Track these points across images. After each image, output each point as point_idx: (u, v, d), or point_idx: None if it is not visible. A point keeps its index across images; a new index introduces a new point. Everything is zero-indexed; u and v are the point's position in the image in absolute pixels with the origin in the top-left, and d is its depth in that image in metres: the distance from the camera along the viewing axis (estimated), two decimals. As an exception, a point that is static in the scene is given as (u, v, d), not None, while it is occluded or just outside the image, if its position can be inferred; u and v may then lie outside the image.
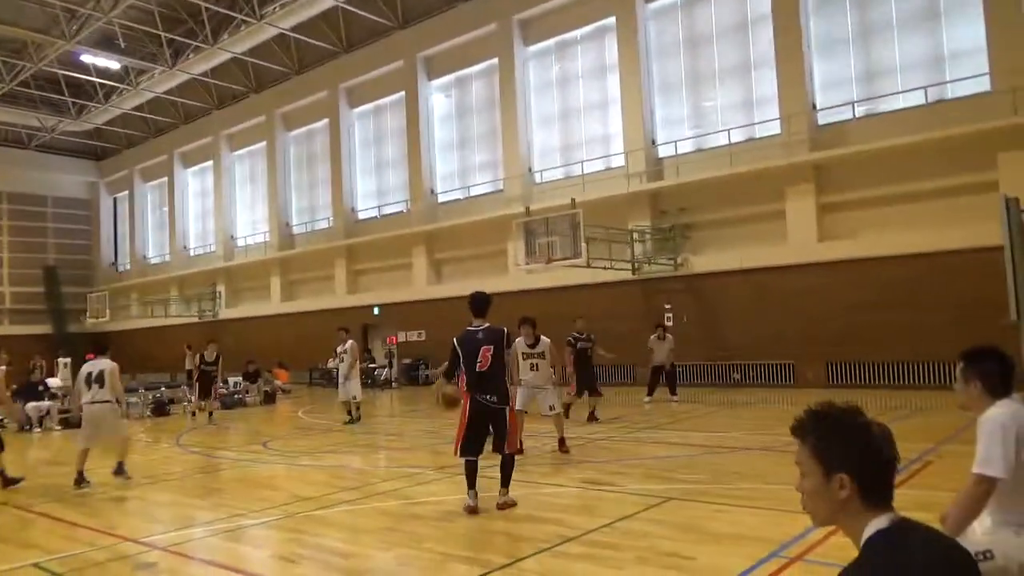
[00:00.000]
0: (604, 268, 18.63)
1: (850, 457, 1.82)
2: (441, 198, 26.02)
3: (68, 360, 24.27)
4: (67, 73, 31.22)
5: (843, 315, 16.37)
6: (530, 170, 23.25)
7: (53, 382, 18.72)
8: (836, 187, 17.33)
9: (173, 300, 35.25)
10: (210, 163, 35.84)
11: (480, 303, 7.01)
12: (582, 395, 12.93)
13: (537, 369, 9.71)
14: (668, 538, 5.49)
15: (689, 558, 5.01)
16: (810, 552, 4.92)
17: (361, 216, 28.84)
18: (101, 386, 9.08)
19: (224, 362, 17.21)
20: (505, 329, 7.06)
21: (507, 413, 6.89)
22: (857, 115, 17.40)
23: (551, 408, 9.70)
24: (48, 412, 16.29)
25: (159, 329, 34.63)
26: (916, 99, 16.50)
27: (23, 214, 40.95)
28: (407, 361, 25.18)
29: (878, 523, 1.78)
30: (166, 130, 37.81)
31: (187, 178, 38.25)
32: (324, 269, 29.32)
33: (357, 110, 29.12)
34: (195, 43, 28.00)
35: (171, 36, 28.22)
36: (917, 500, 5.36)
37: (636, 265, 19.50)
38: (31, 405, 16.25)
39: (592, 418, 12.70)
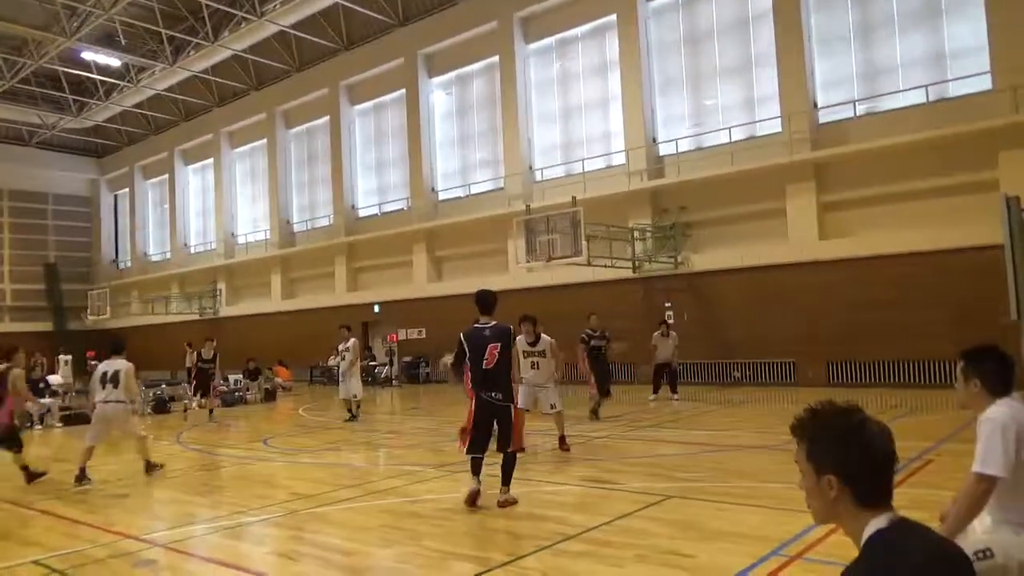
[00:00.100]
0: (605, 266, 18.63)
1: (838, 458, 1.84)
2: (442, 196, 26.01)
3: (69, 357, 24.33)
4: (68, 70, 31.20)
5: (844, 314, 16.36)
6: (531, 168, 23.24)
7: (54, 379, 18.76)
8: (837, 185, 17.32)
9: (174, 297, 35.24)
10: (211, 160, 35.83)
11: (487, 301, 7.06)
12: (605, 393, 12.72)
13: (538, 368, 9.71)
14: (668, 536, 5.49)
15: (689, 556, 5.01)
16: (810, 550, 4.92)
17: (362, 214, 28.83)
18: (115, 386, 9.14)
19: (225, 360, 17.24)
20: (511, 327, 7.12)
21: (512, 410, 6.94)
22: (858, 113, 17.38)
23: (552, 406, 9.70)
24: (49, 409, 16.30)
25: (160, 326, 34.64)
26: (917, 97, 16.48)
27: (24, 211, 40.96)
28: (407, 359, 25.19)
29: (877, 523, 1.79)
30: (167, 127, 37.81)
31: (188, 175, 38.25)
32: (324, 267, 29.32)
33: (358, 107, 29.11)
34: (196, 40, 28.00)
35: (172, 33, 28.20)
36: (917, 499, 5.37)
37: (637, 263, 19.50)
38: (29, 404, 16.23)
39: (594, 415, 12.65)
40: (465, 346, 6.84)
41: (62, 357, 24.10)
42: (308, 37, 27.72)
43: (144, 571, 5.38)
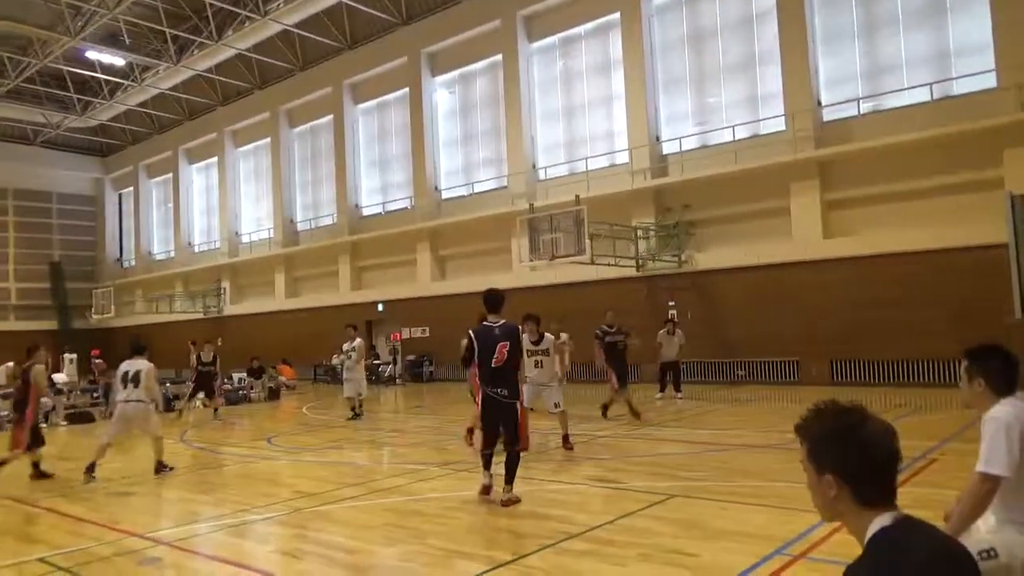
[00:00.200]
0: (608, 265, 18.62)
1: (837, 458, 1.85)
2: (445, 194, 26.02)
3: (74, 356, 24.40)
4: (72, 69, 31.27)
5: (848, 312, 16.33)
6: (534, 167, 23.23)
7: (59, 378, 18.79)
8: (841, 184, 17.28)
9: (178, 296, 35.32)
10: (215, 159, 35.89)
11: (496, 300, 7.14)
12: (624, 389, 12.53)
13: (541, 366, 9.72)
14: (671, 535, 5.49)
15: (692, 555, 5.01)
16: (814, 550, 4.91)
17: (365, 212, 28.86)
18: (136, 386, 9.28)
19: (229, 358, 17.26)
20: (519, 326, 7.28)
21: (517, 408, 7.01)
22: (862, 111, 17.33)
23: (556, 405, 9.71)
24: (54, 407, 16.35)
25: (164, 325, 34.70)
26: (921, 95, 16.43)
27: (29, 210, 41.06)
28: (411, 358, 25.20)
29: (881, 521, 1.79)
30: (171, 126, 37.86)
31: (192, 174, 38.32)
32: (328, 265, 29.35)
33: (361, 106, 29.13)
34: (200, 39, 28.06)
35: (176, 32, 28.24)
36: (920, 498, 5.37)
37: (640, 262, 19.48)
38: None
39: (607, 414, 12.51)
40: (475, 343, 6.90)
41: (67, 356, 24.16)
42: (312, 36, 27.75)
43: (149, 569, 5.40)
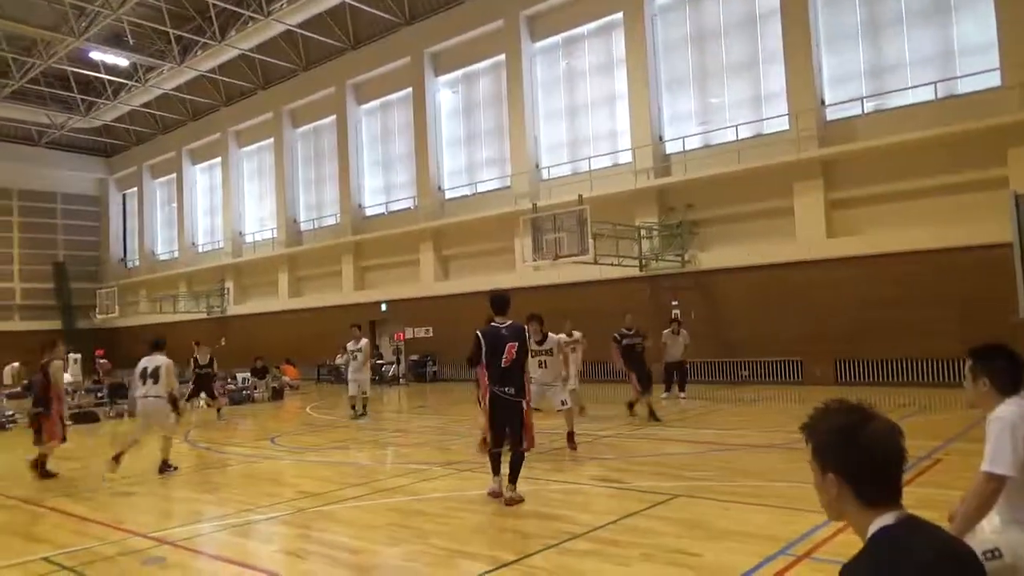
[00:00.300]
0: (611, 265, 18.60)
1: (839, 457, 1.84)
2: (448, 194, 26.03)
3: (78, 356, 24.43)
4: (76, 70, 31.33)
5: (852, 312, 16.30)
6: (537, 166, 23.23)
7: (64, 378, 18.78)
8: (845, 183, 17.24)
9: (182, 296, 35.40)
10: (218, 159, 35.95)
11: (503, 302, 7.22)
12: (648, 391, 12.39)
13: (546, 366, 9.72)
14: (674, 535, 5.48)
15: (696, 555, 5.00)
16: (817, 550, 4.91)
17: (368, 212, 28.88)
18: (156, 382, 9.43)
19: (233, 358, 17.27)
20: (525, 326, 7.36)
21: (524, 407, 7.04)
22: (866, 111, 17.30)
23: (563, 403, 9.73)
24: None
25: (168, 325, 34.64)
26: (926, 95, 16.39)
27: (33, 211, 41.19)
28: (414, 357, 25.22)
29: (883, 520, 1.78)
30: (174, 127, 37.94)
31: (195, 174, 38.39)
32: (332, 265, 29.38)
33: (364, 106, 29.15)
34: (203, 40, 28.09)
35: (179, 33, 28.29)
36: (925, 498, 5.35)
37: (643, 262, 19.46)
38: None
39: (633, 410, 12.44)
40: (483, 344, 6.95)
41: (71, 356, 24.18)
42: (315, 36, 27.78)
43: (153, 568, 5.40)
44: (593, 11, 21.88)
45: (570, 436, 9.68)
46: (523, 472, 6.98)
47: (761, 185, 18.16)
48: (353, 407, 14.74)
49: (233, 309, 33.97)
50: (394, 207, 27.86)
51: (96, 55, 29.37)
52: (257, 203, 34.65)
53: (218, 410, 16.47)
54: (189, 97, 34.51)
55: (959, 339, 12.03)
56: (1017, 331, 10.54)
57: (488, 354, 6.94)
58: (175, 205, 39.10)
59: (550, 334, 9.88)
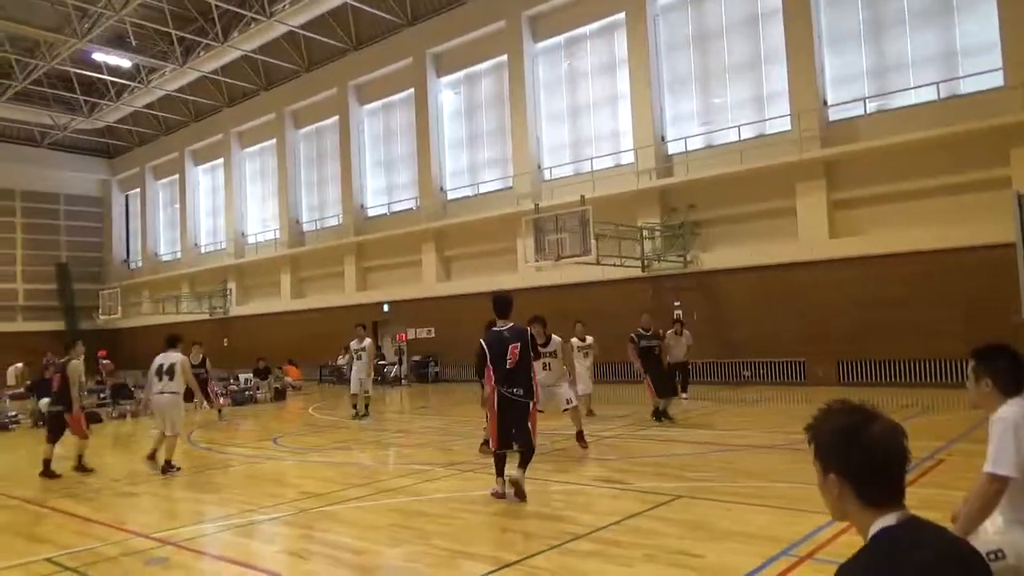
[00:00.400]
0: (614, 265, 18.59)
1: (840, 458, 1.85)
2: (450, 195, 26.03)
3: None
4: (79, 71, 31.40)
5: (854, 312, 16.28)
6: (539, 167, 23.23)
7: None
8: (847, 183, 17.22)
9: (184, 297, 35.44)
10: (221, 160, 36.00)
11: (504, 305, 7.32)
12: (665, 397, 12.08)
13: (550, 368, 9.74)
14: (677, 536, 5.48)
15: (698, 556, 5.00)
16: (820, 551, 4.90)
17: (371, 213, 28.89)
18: (171, 378, 9.60)
19: (235, 359, 17.30)
20: (527, 328, 7.44)
21: (530, 407, 7.10)
22: (868, 111, 17.28)
23: (568, 401, 9.75)
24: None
25: (170, 326, 34.73)
26: (928, 95, 16.37)
27: (36, 212, 41.24)
28: (417, 358, 25.22)
29: (885, 521, 1.78)
30: (177, 128, 37.99)
31: (198, 175, 38.44)
32: (334, 266, 29.40)
33: (366, 107, 29.17)
34: (205, 41, 28.12)
35: (182, 34, 28.33)
36: (928, 499, 5.34)
37: (646, 262, 19.45)
38: (44, 401, 16.35)
39: (661, 415, 11.99)
40: (487, 352, 7.06)
41: (74, 356, 24.19)
42: (317, 37, 27.82)
43: (155, 569, 5.40)
44: (595, 11, 21.88)
45: (579, 435, 9.68)
46: (526, 473, 6.96)
47: (763, 185, 18.14)
48: (354, 406, 14.76)
49: (235, 310, 34.01)
50: (396, 208, 27.88)
51: (99, 56, 29.42)
52: (259, 204, 34.68)
53: (219, 411, 16.46)
54: (191, 98, 34.56)
55: (962, 340, 11.99)
56: (1020, 331, 10.51)
57: (493, 358, 7.02)
58: (178, 206, 39.14)
59: (553, 336, 9.89)
